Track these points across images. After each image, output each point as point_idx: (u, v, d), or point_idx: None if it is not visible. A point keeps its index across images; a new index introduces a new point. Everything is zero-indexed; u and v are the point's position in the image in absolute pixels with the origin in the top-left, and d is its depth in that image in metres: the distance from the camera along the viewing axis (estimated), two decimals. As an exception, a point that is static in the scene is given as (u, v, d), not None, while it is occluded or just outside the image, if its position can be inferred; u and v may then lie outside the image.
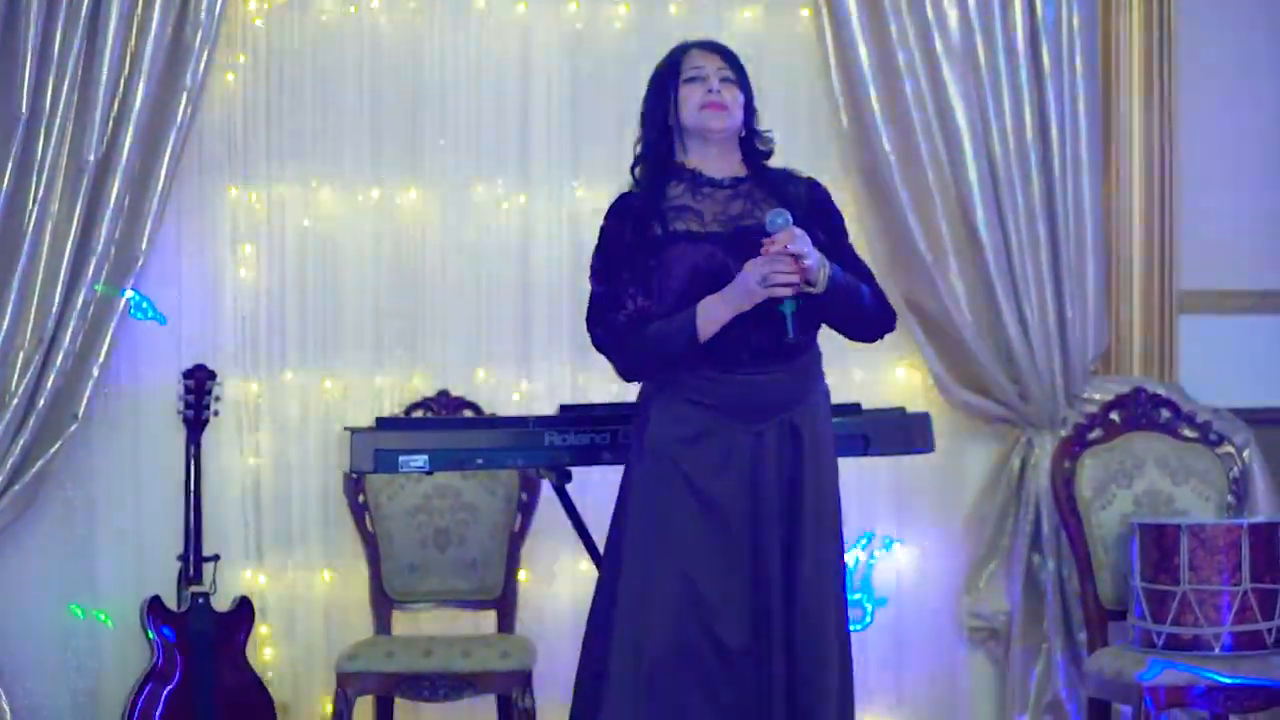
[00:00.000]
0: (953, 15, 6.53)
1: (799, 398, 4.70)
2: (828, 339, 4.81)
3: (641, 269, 4.67)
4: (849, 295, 4.68)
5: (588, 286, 4.75)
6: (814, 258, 4.55)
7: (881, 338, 4.89)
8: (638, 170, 4.81)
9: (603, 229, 4.76)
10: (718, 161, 4.76)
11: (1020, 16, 6.57)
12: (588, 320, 4.72)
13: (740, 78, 4.77)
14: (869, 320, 4.79)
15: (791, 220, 4.56)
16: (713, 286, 4.60)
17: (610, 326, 4.69)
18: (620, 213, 4.74)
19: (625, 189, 4.81)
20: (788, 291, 4.53)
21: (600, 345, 4.72)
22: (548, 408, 6.16)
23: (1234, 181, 6.91)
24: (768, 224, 4.57)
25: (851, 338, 4.86)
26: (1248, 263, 6.91)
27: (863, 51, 6.48)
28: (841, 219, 4.87)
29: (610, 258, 4.72)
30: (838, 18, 6.49)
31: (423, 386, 6.45)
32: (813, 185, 4.85)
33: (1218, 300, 6.89)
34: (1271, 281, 6.93)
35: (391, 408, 6.42)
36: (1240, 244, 6.91)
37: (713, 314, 4.58)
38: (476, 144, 6.55)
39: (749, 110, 4.79)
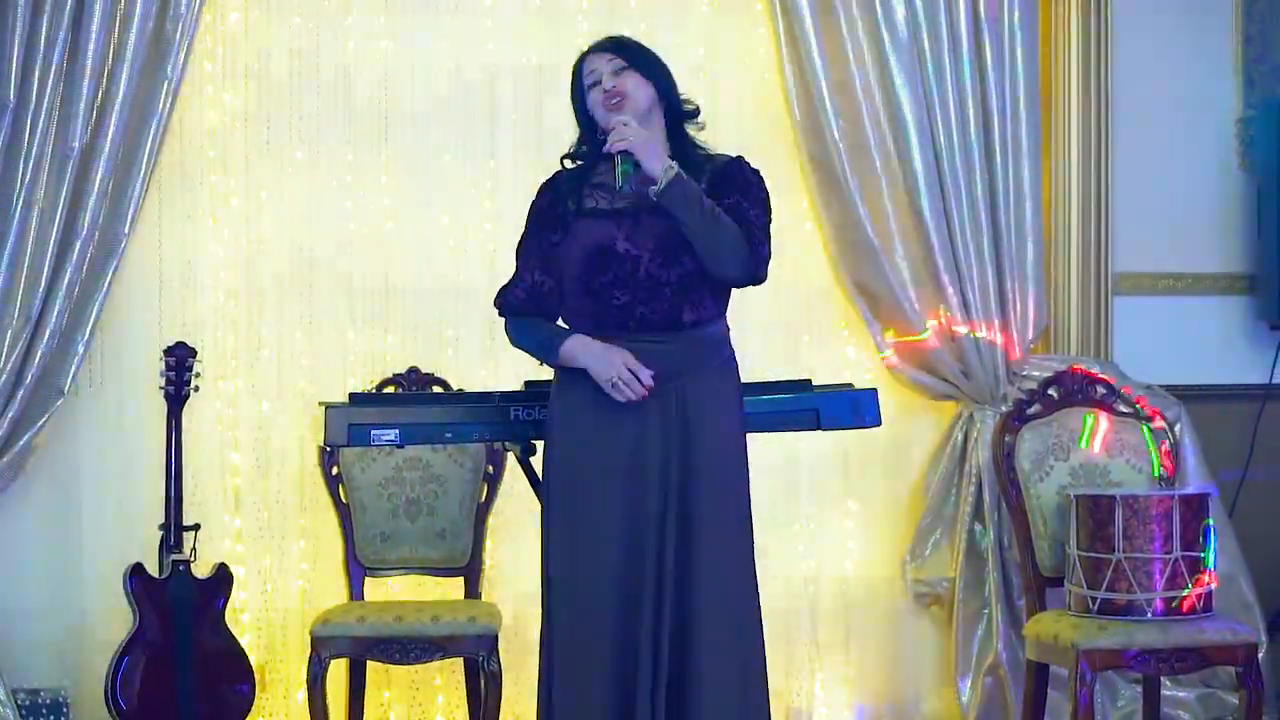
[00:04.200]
0: (899, 10, 6.57)
1: (688, 369, 4.72)
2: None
3: (545, 245, 4.77)
4: (696, 206, 4.62)
5: None
6: (643, 137, 4.62)
7: (745, 281, 4.77)
8: (567, 163, 4.88)
9: (530, 205, 4.87)
10: None
11: (963, 11, 6.61)
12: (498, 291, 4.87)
13: (641, 60, 4.77)
14: (725, 245, 4.64)
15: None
16: (600, 263, 4.67)
17: (506, 300, 4.82)
18: (542, 191, 4.85)
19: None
20: (622, 145, 4.61)
21: (499, 311, 4.85)
22: (513, 383, 6.15)
23: (1166, 170, 6.97)
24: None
25: (714, 270, 4.68)
26: (1179, 247, 7.00)
27: (813, 45, 6.51)
28: (753, 188, 4.80)
29: (524, 234, 4.85)
30: (790, 13, 6.53)
31: (394, 363, 6.50)
32: (732, 161, 4.83)
33: (1151, 282, 6.99)
34: (1202, 265, 7.03)
35: (364, 384, 6.44)
36: (1172, 229, 6.98)
37: (572, 353, 4.69)
38: (445, 132, 6.60)
39: (669, 88, 4.80)
